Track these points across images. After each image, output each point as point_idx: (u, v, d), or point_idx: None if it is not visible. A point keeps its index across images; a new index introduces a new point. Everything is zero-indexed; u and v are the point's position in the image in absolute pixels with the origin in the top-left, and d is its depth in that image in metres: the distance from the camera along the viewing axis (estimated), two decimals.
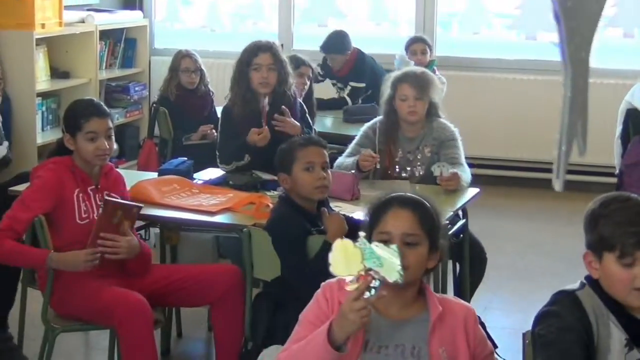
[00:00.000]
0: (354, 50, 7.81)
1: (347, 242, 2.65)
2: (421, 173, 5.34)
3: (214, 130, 6.62)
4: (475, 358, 2.87)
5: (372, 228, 2.87)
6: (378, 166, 5.26)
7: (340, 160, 5.37)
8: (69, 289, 4.27)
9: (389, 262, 2.61)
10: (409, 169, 5.37)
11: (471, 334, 2.87)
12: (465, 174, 5.29)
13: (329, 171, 4.34)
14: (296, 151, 4.28)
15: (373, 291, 2.60)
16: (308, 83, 6.70)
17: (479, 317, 3.01)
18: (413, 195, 3.01)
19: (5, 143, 6.50)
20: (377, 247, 2.63)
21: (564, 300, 2.88)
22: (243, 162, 5.28)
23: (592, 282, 2.85)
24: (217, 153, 5.43)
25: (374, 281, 2.60)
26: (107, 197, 4.31)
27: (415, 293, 2.89)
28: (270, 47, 5.52)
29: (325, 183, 4.24)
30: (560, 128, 1.99)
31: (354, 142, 5.50)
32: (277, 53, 5.50)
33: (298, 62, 6.54)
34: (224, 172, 5.36)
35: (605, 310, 2.83)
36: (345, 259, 2.62)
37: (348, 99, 7.58)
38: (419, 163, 5.36)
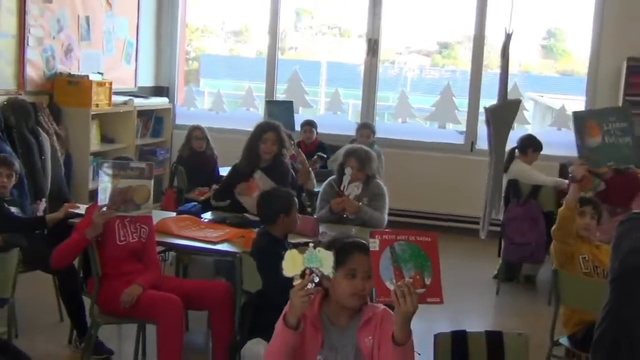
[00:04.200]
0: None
1: (293, 251, 2.67)
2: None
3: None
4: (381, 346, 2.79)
5: (340, 264, 2.76)
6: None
7: (318, 214, 5.41)
8: (113, 291, 4.24)
9: (326, 261, 2.63)
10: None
11: (385, 328, 2.78)
12: (376, 216, 5.31)
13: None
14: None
15: (312, 284, 2.63)
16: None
17: None
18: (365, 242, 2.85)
19: (44, 200, 6.42)
20: (319, 252, 2.66)
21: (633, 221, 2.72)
22: (224, 203, 5.44)
23: None
24: (213, 192, 5.49)
25: (314, 276, 2.63)
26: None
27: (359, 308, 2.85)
28: (276, 128, 5.55)
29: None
30: (485, 196, 2.05)
31: (319, 198, 5.53)
32: (280, 132, 5.53)
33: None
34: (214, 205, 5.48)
35: None
36: (292, 263, 2.64)
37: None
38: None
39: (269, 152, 5.47)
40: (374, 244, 2.63)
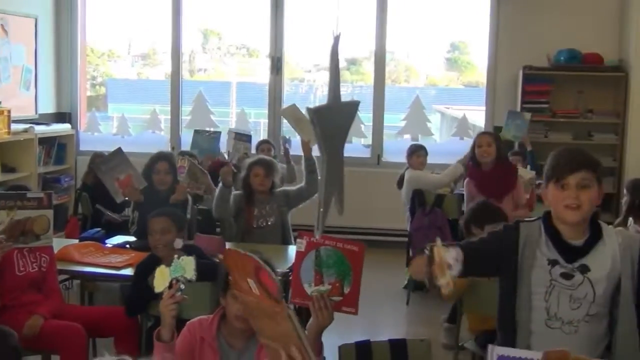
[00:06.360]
0: None
1: (161, 267, 2.80)
2: (271, 223, 5.54)
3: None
4: None
5: (227, 285, 2.81)
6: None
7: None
8: (13, 323, 4.11)
9: (189, 267, 2.75)
10: (262, 220, 5.54)
11: None
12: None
13: None
14: None
15: (179, 292, 2.76)
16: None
17: None
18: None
19: None
20: (182, 260, 2.73)
21: (509, 225, 3.02)
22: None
23: (545, 216, 2.93)
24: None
25: (180, 285, 2.76)
26: None
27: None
28: (167, 157, 5.61)
29: None
30: (319, 197, 2.12)
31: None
32: (172, 162, 5.59)
33: None
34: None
35: (539, 238, 2.89)
36: (161, 278, 2.79)
37: None
38: (269, 216, 5.56)
39: (163, 183, 5.50)
40: (301, 245, 2.68)
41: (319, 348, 2.70)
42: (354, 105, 2.19)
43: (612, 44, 8.40)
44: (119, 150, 5.73)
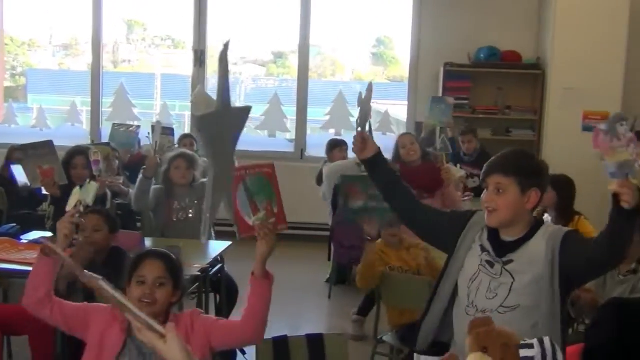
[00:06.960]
0: None
1: (77, 188, 3.03)
2: (191, 215, 5.56)
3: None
4: (210, 335, 2.87)
5: (132, 272, 2.88)
6: None
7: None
8: None
9: (91, 192, 2.98)
10: (182, 214, 5.59)
11: (198, 326, 2.87)
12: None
13: None
14: None
15: (77, 215, 2.96)
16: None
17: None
18: (162, 250, 3.01)
19: None
20: (89, 184, 3.00)
21: (470, 210, 3.18)
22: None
23: None
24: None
25: (80, 207, 2.97)
26: None
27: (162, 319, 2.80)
28: (85, 151, 5.56)
29: None
30: (206, 201, 2.14)
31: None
32: (88, 156, 5.53)
33: None
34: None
35: (483, 227, 3.04)
36: (73, 199, 3.01)
37: None
38: (189, 208, 5.59)
39: (80, 178, 5.41)
40: None
41: (266, 272, 2.81)
42: (244, 111, 2.21)
43: (530, 43, 8.61)
44: (50, 142, 5.60)
